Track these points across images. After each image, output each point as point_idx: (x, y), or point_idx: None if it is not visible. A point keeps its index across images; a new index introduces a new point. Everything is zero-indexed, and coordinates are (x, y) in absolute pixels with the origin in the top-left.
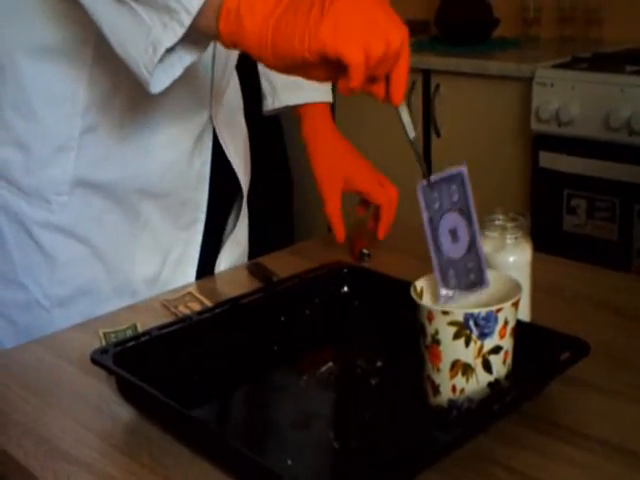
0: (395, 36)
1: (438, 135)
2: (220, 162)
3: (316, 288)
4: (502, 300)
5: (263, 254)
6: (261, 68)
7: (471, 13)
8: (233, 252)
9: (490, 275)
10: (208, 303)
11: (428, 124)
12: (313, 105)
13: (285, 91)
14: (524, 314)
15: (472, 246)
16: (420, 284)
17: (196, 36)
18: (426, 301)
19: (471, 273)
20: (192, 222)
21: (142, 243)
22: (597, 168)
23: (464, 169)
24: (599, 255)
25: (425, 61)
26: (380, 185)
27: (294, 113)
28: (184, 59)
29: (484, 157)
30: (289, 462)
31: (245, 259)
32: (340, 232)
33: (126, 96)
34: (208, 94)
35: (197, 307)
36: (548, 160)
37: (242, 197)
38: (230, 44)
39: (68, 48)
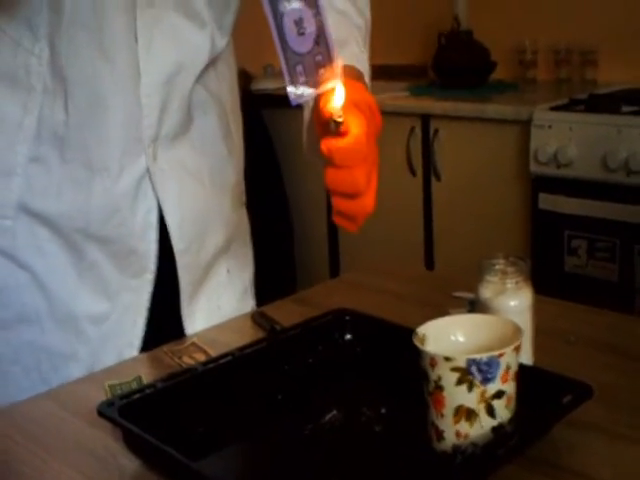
0: None
1: (438, 179)
2: None
3: (319, 336)
4: (504, 345)
5: (266, 301)
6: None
7: (468, 57)
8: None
9: (490, 318)
10: (212, 353)
11: (428, 168)
12: None
13: None
14: (526, 358)
15: (320, 37)
16: (422, 331)
17: None
18: (429, 348)
19: (320, 68)
20: (141, 271)
21: (87, 282)
22: (596, 209)
23: None
24: (601, 296)
25: (423, 106)
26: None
27: None
28: None
29: (484, 200)
30: None
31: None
32: None
33: (74, 132)
34: (140, 139)
35: (201, 357)
36: (547, 202)
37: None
38: None
39: (19, 76)
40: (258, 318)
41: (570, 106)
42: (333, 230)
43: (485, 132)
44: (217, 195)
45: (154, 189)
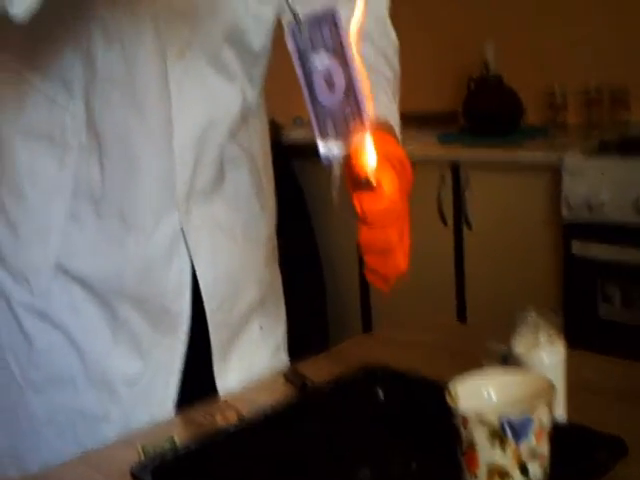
0: None
1: (470, 227)
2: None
3: (350, 393)
4: (537, 401)
5: (299, 355)
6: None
7: (498, 103)
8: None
9: (522, 373)
10: (244, 412)
11: (459, 217)
12: None
13: None
14: (559, 413)
15: (349, 90)
16: (454, 388)
17: None
18: (461, 405)
19: (350, 120)
20: (174, 329)
21: (120, 341)
22: (630, 254)
23: (336, 9)
24: (637, 342)
25: (454, 154)
26: None
27: None
28: None
29: (516, 247)
30: None
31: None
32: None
33: (109, 189)
34: (173, 195)
35: (234, 417)
36: (580, 248)
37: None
38: None
39: (55, 133)
40: (290, 375)
41: (601, 150)
42: (365, 281)
43: (516, 179)
44: (250, 252)
45: (187, 247)
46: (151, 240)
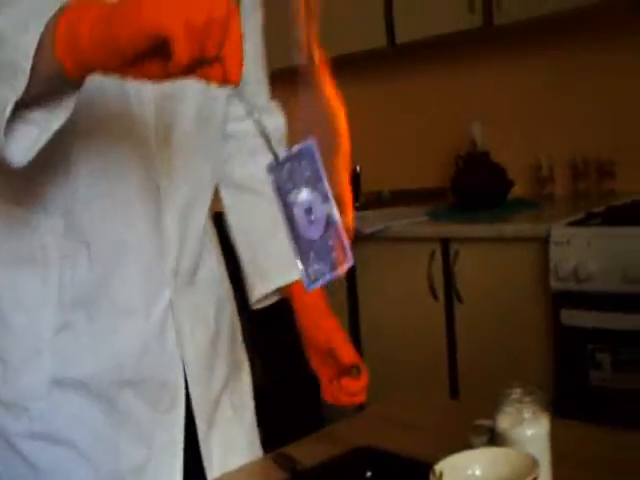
0: (218, 6)
1: (460, 301)
2: None
3: (340, 475)
4: (521, 478)
5: (292, 430)
6: (246, 257)
7: (486, 178)
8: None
9: (505, 452)
10: None
11: (450, 291)
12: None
13: (276, 271)
14: None
15: (330, 223)
16: (439, 467)
17: (48, 101)
18: None
19: (333, 251)
20: (172, 405)
21: (124, 433)
22: (619, 321)
23: (313, 142)
24: (629, 408)
25: (443, 230)
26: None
27: (286, 292)
28: (44, 128)
29: (506, 318)
30: None
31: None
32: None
33: (98, 285)
34: (164, 273)
35: None
36: (569, 317)
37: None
38: (72, 67)
39: (36, 254)
40: (279, 459)
41: (587, 220)
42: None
43: (505, 251)
44: (220, 331)
45: (174, 321)
46: (147, 321)
